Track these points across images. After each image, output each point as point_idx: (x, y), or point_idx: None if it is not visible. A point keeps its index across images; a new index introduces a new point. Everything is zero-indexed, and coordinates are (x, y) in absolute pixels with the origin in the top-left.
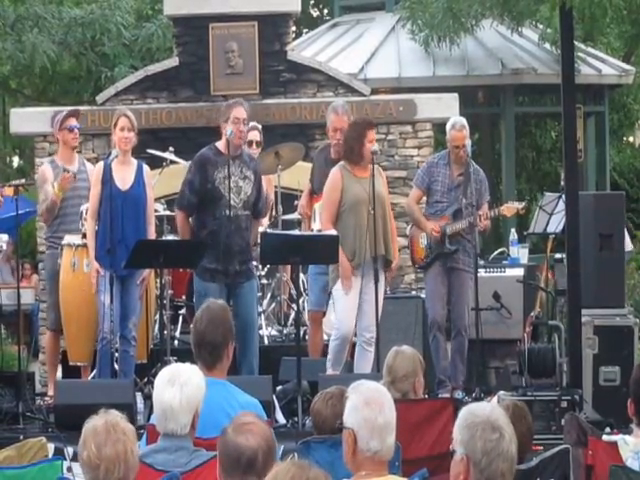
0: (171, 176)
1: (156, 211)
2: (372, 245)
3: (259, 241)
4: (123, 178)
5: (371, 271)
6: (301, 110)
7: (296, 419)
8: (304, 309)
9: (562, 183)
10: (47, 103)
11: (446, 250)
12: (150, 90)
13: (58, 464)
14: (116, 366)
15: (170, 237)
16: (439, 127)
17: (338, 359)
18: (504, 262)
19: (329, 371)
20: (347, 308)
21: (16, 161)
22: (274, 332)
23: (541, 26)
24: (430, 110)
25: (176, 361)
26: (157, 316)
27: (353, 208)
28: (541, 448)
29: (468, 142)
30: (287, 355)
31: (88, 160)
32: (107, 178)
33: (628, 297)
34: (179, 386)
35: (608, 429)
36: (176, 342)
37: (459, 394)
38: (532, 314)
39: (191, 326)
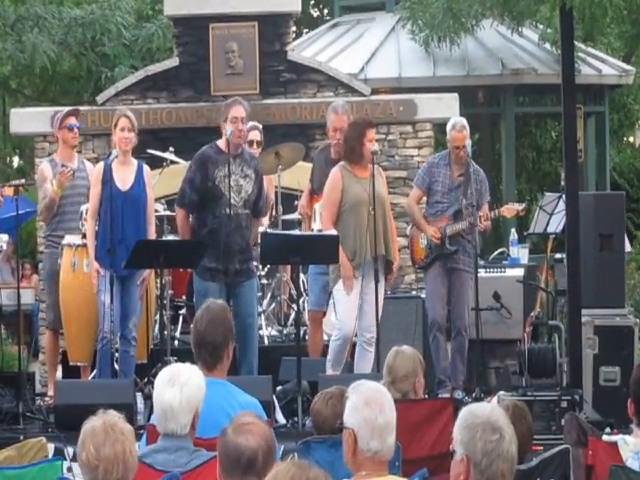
0: (171, 176)
1: (156, 211)
2: (372, 245)
3: (259, 241)
4: (123, 178)
5: (371, 271)
6: (301, 110)
7: (296, 419)
8: (304, 309)
9: (562, 183)
10: (47, 103)
11: (446, 251)
12: (150, 90)
13: (58, 464)
14: (116, 366)
15: (170, 237)
16: (439, 127)
17: (338, 359)
18: (504, 262)
19: (329, 371)
20: (348, 308)
21: (16, 161)
22: (274, 332)
23: (541, 26)
24: (430, 110)
25: (176, 361)
26: (157, 316)
27: (353, 208)
28: (541, 448)
29: (468, 142)
30: (287, 355)
31: (88, 160)
32: (107, 178)
33: (628, 297)
34: (179, 386)
35: (608, 429)
36: (176, 342)
37: (459, 394)
38: (532, 314)
39: (191, 326)
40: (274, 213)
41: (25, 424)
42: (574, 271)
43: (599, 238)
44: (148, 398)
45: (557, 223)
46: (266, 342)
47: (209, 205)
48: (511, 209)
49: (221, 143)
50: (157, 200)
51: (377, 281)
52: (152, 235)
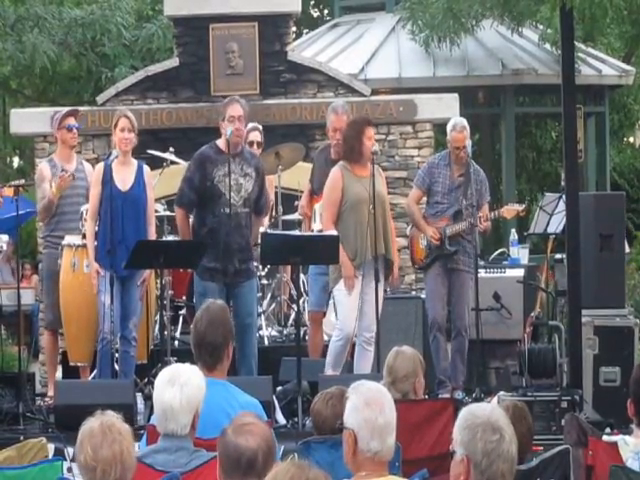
0: (171, 176)
1: (156, 211)
2: (372, 244)
3: (259, 241)
4: (123, 179)
5: (371, 271)
6: (301, 110)
7: (296, 419)
8: (304, 309)
9: (562, 183)
10: (47, 103)
11: (446, 251)
12: (150, 90)
13: (58, 464)
14: (116, 366)
15: (170, 237)
16: (439, 127)
17: (338, 361)
18: (504, 262)
19: (328, 372)
20: (349, 309)
21: (16, 161)
22: (274, 332)
23: (541, 26)
24: (430, 110)
25: (176, 361)
26: (157, 316)
27: (354, 207)
28: (541, 448)
29: (468, 143)
30: (287, 355)
31: (88, 161)
32: (107, 179)
33: (628, 297)
34: (179, 386)
35: (608, 429)
36: (176, 342)
37: (459, 394)
38: (532, 314)
39: (191, 327)
40: (274, 213)
41: (25, 424)
42: (574, 271)
43: (599, 238)
44: (148, 398)
45: (557, 223)
46: (266, 342)
47: (208, 204)
48: (511, 210)
49: (220, 143)
50: (157, 200)
51: (377, 281)
52: (152, 235)
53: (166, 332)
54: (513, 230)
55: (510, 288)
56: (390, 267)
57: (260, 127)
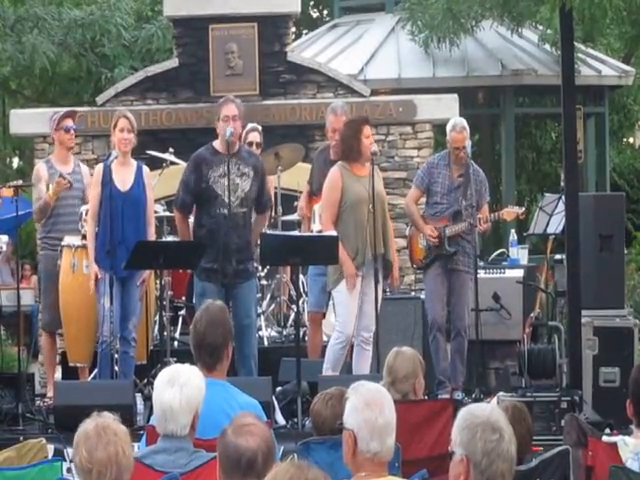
0: (171, 177)
1: (156, 212)
2: (372, 244)
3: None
4: (123, 179)
5: (371, 270)
6: (301, 111)
7: (296, 420)
8: (304, 310)
9: (562, 184)
10: (47, 104)
11: (445, 252)
12: (150, 91)
13: (58, 465)
14: (116, 368)
15: (170, 238)
16: (439, 128)
17: (336, 365)
18: (504, 263)
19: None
20: (349, 311)
21: (16, 162)
22: (274, 333)
23: (541, 27)
24: (430, 111)
25: (176, 362)
26: (157, 317)
27: (354, 207)
28: (541, 449)
29: (468, 143)
30: (287, 356)
31: (87, 161)
32: (107, 180)
33: (628, 298)
34: (179, 387)
35: (608, 430)
36: (176, 343)
37: (459, 395)
38: (532, 315)
39: (190, 327)
40: (274, 214)
41: (25, 425)
42: (574, 272)
43: (599, 239)
44: (148, 399)
45: (557, 224)
46: (266, 343)
47: (205, 206)
48: (511, 212)
49: (217, 144)
50: (157, 201)
51: (377, 281)
52: (152, 236)
53: (165, 333)
54: (513, 231)
55: (510, 289)
56: (389, 267)
57: (259, 128)
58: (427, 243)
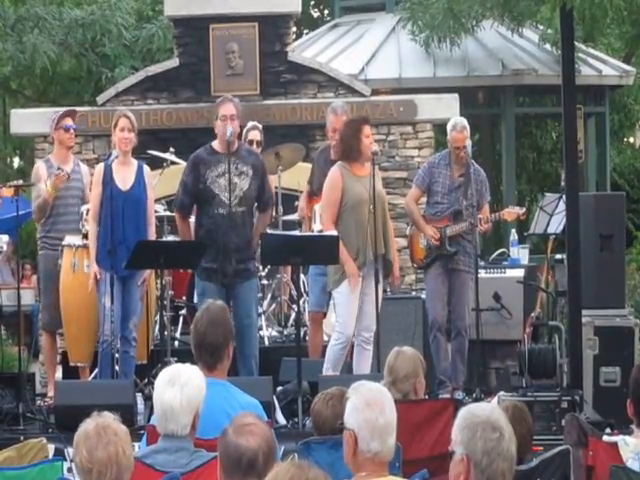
0: (171, 177)
1: (156, 212)
2: (373, 244)
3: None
4: (124, 179)
5: (372, 270)
6: (301, 111)
7: (296, 420)
8: (304, 310)
9: (562, 184)
10: (47, 104)
11: (446, 252)
12: (150, 91)
13: (58, 465)
14: (116, 367)
15: (170, 238)
16: (439, 128)
17: (336, 365)
18: (504, 263)
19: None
20: (349, 312)
21: (16, 162)
22: (274, 333)
23: (541, 27)
24: (430, 111)
25: (176, 362)
26: (157, 317)
27: (355, 207)
28: (541, 449)
29: (469, 143)
30: (287, 356)
31: (88, 161)
32: (108, 179)
33: (628, 298)
34: (179, 387)
35: (608, 430)
36: (176, 343)
37: (459, 395)
38: (532, 315)
39: (191, 327)
40: (274, 214)
41: (25, 425)
42: (574, 272)
43: (599, 239)
44: (148, 399)
45: (557, 224)
46: (266, 343)
47: (204, 206)
48: (512, 213)
49: (215, 143)
50: (157, 201)
51: (377, 281)
52: (152, 236)
53: (166, 332)
54: (513, 230)
55: (510, 288)
56: (389, 267)
57: (260, 126)
58: (428, 243)
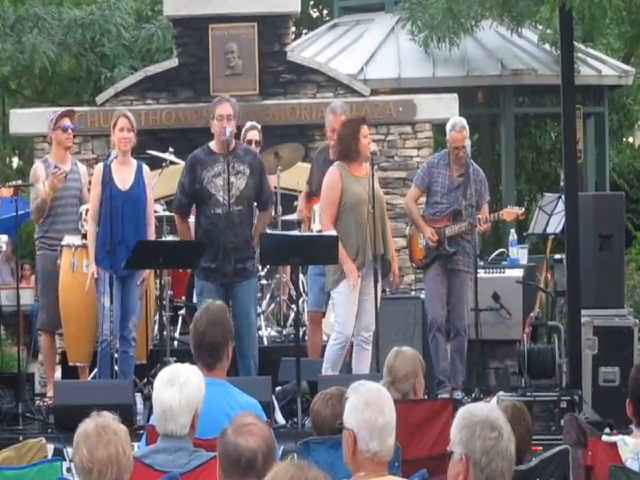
0: (171, 177)
1: (156, 212)
2: (372, 244)
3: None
4: (123, 179)
5: (371, 270)
6: (301, 111)
7: (295, 420)
8: (303, 310)
9: (562, 184)
10: (47, 104)
11: (445, 252)
12: (150, 91)
13: (57, 465)
14: (116, 367)
15: (170, 238)
16: (439, 128)
17: (336, 365)
18: (503, 263)
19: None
20: (348, 312)
21: (16, 162)
22: (273, 333)
23: (541, 27)
24: (430, 111)
25: (176, 362)
26: (157, 317)
27: (354, 207)
28: (541, 449)
29: (468, 143)
30: (286, 356)
31: (87, 161)
32: (107, 179)
33: (628, 298)
34: (179, 387)
35: (608, 430)
36: (176, 343)
37: (459, 394)
38: (532, 315)
39: (190, 327)
40: (273, 214)
41: (24, 424)
42: (573, 271)
43: (598, 238)
44: (147, 399)
45: (556, 223)
46: (265, 343)
47: (202, 206)
48: (511, 213)
49: (212, 144)
50: (156, 201)
51: (377, 281)
52: (152, 236)
53: (165, 332)
54: (512, 230)
55: (509, 288)
56: (388, 267)
57: (259, 126)
58: (427, 243)
